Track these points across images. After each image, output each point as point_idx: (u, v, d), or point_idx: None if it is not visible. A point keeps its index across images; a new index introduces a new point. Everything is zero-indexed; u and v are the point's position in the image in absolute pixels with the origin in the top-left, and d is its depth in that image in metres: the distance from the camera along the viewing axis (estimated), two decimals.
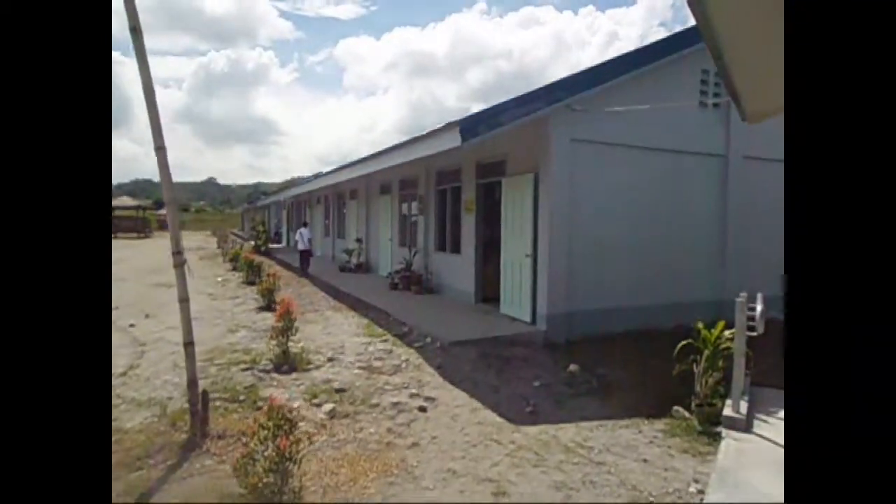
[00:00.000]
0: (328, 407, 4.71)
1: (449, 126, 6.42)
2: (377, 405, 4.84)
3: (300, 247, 15.33)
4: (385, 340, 7.13)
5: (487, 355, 6.29)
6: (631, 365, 6.07)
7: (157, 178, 4.35)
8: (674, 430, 4.38)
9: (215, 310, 9.53)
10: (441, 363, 6.05)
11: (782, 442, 3.97)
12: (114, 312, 8.07)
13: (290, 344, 6.02)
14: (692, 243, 8.35)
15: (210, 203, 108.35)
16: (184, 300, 4.11)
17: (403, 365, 6.05)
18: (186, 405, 4.16)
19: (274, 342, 5.96)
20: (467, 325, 7.57)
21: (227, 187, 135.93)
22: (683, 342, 4.87)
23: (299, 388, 5.22)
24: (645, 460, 3.85)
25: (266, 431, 3.01)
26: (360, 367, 5.94)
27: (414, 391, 5.20)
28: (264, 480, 2.91)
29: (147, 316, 8.70)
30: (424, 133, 7.27)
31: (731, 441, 4.04)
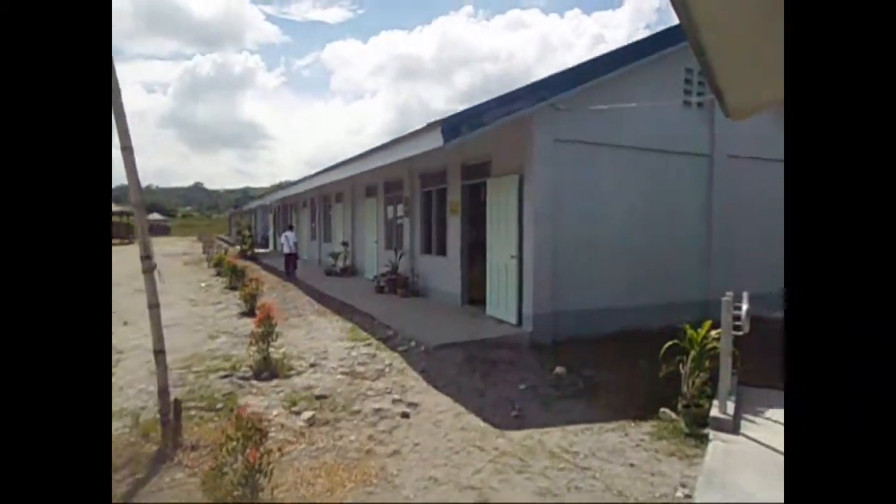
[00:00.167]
0: (308, 414, 4.57)
1: (431, 126, 6.32)
2: (358, 412, 4.71)
3: (286, 250, 15.16)
4: (369, 344, 7.00)
5: (473, 358, 6.19)
6: (618, 366, 5.99)
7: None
8: (661, 432, 4.30)
9: (197, 315, 9.35)
10: (425, 367, 5.94)
11: (769, 443, 3.92)
12: None
13: (272, 350, 5.87)
14: (678, 243, 8.33)
15: (197, 208, 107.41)
16: (153, 306, 3.97)
17: (387, 369, 5.93)
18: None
19: (254, 348, 5.80)
20: (453, 328, 7.46)
21: (215, 192, 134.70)
22: (670, 343, 4.81)
23: (279, 396, 5.07)
24: (631, 465, 3.76)
25: (235, 443, 2.87)
26: (342, 373, 5.80)
27: (397, 396, 5.08)
28: (234, 494, 2.78)
29: (125, 323, 8.48)
30: (407, 134, 7.17)
31: (718, 443, 3.97)
